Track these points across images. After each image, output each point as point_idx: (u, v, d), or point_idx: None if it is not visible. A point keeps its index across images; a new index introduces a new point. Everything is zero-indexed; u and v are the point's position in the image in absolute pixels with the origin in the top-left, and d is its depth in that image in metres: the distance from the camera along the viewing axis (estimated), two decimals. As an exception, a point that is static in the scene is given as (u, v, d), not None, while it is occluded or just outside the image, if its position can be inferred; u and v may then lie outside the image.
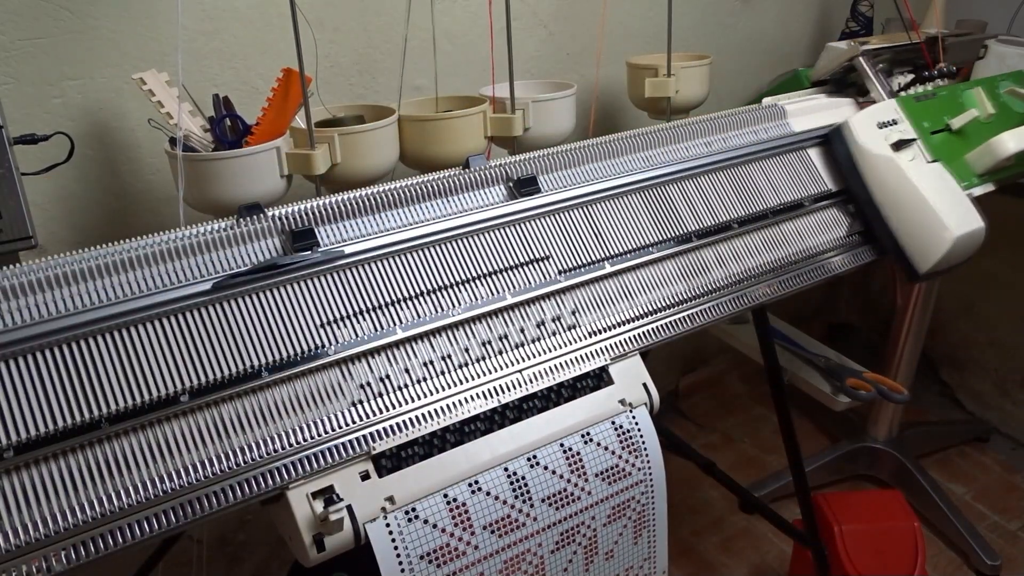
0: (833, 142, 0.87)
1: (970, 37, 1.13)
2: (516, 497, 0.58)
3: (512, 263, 0.65)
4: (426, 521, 0.54)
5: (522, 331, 0.63)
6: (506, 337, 0.62)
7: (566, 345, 0.63)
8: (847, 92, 0.98)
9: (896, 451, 1.54)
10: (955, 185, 0.86)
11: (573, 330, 0.65)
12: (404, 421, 0.56)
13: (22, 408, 0.47)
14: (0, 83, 0.81)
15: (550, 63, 1.26)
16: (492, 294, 0.63)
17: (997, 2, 1.55)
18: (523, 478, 0.58)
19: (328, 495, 0.52)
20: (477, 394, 0.59)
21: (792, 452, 1.08)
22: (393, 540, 0.53)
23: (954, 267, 0.88)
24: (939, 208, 0.82)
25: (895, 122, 0.87)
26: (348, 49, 1.03)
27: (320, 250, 0.57)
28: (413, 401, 0.57)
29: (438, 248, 0.63)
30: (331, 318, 0.56)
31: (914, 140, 0.86)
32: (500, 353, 0.61)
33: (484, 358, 0.61)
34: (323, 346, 0.55)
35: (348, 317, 0.57)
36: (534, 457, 0.59)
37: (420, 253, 0.62)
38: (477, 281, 0.63)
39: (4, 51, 0.80)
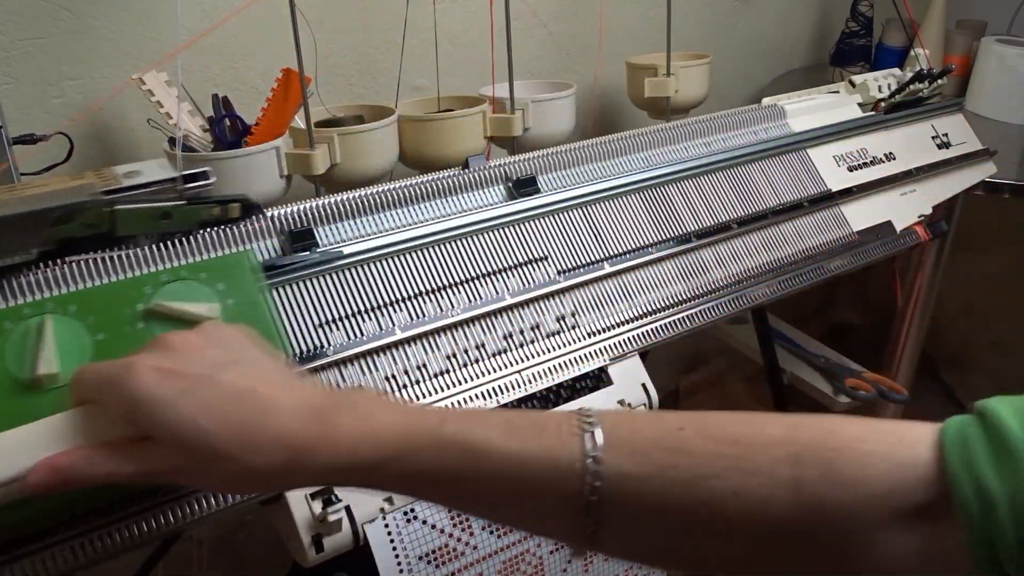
0: None
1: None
2: (515, 497, 0.58)
3: (511, 263, 0.65)
4: (425, 521, 0.54)
5: (521, 332, 0.63)
6: (506, 337, 0.62)
7: (565, 345, 0.63)
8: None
9: (896, 451, 1.54)
10: None
11: (572, 330, 0.65)
12: (403, 421, 0.56)
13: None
14: (0, 83, 0.81)
15: (550, 63, 1.26)
16: (491, 294, 0.63)
17: (997, 2, 1.55)
18: (522, 478, 0.58)
19: (327, 496, 0.52)
20: (476, 394, 0.59)
21: (792, 452, 1.08)
22: (392, 541, 0.53)
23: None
24: None
25: None
26: (348, 49, 1.03)
27: (319, 250, 0.57)
28: (412, 402, 0.57)
29: (437, 248, 0.62)
30: (330, 318, 0.56)
31: None
32: (499, 353, 0.61)
33: (483, 359, 0.61)
34: (322, 346, 0.55)
35: (347, 317, 0.57)
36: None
37: (419, 253, 0.62)
38: (476, 281, 0.63)
39: (4, 51, 0.80)
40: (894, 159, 0.92)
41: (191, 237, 0.52)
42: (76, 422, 0.39)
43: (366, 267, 0.59)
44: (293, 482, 0.42)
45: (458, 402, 0.58)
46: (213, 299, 0.49)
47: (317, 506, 0.51)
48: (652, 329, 0.69)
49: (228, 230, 0.53)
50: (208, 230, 0.53)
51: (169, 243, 0.51)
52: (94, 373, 0.39)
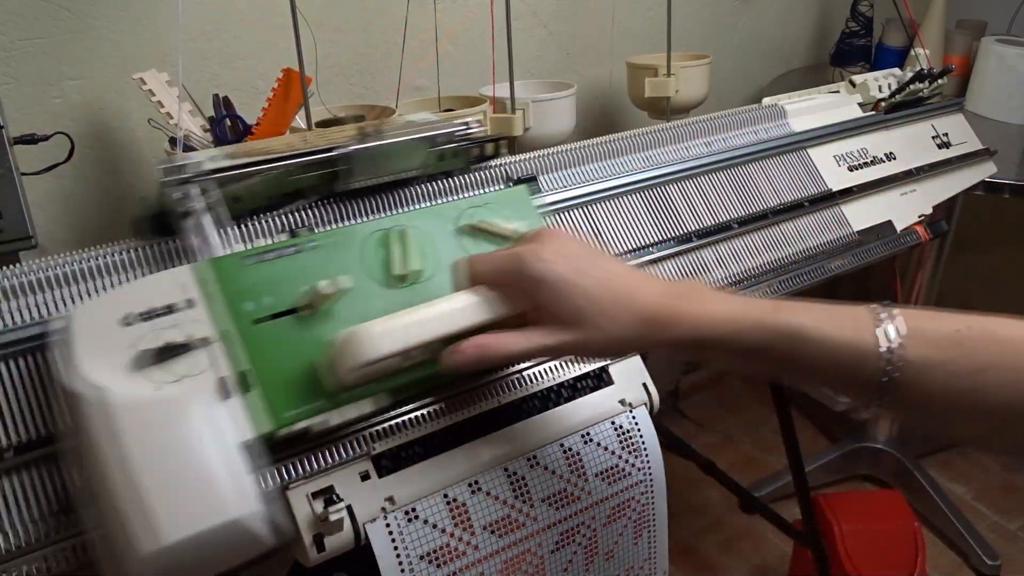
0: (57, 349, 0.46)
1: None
2: (516, 497, 0.58)
3: (512, 263, 0.65)
4: (426, 521, 0.54)
5: (522, 331, 0.62)
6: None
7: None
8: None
9: (896, 451, 1.54)
10: (227, 429, 0.45)
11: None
12: (404, 421, 0.56)
13: (22, 408, 0.47)
14: (0, 83, 0.81)
15: (550, 63, 1.26)
16: (492, 294, 0.63)
17: (997, 2, 1.55)
18: (523, 478, 0.58)
19: (328, 495, 0.52)
20: (477, 394, 0.59)
21: (792, 452, 1.08)
22: (393, 540, 0.53)
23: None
24: (151, 493, 0.41)
25: (189, 305, 0.47)
26: (348, 49, 1.03)
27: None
28: (413, 401, 0.57)
29: (438, 248, 0.63)
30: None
31: (199, 344, 0.46)
32: (500, 353, 0.61)
33: (484, 358, 0.60)
34: (323, 346, 0.55)
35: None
36: (534, 457, 0.59)
37: (420, 253, 0.62)
38: (477, 281, 0.63)
39: (4, 51, 0.80)
40: (894, 159, 0.92)
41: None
42: (473, 299, 0.48)
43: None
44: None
45: (459, 402, 0.58)
46: (508, 221, 0.60)
47: (318, 506, 0.51)
48: (652, 329, 0.68)
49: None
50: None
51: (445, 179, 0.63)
52: (494, 260, 0.50)
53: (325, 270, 0.52)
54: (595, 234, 0.70)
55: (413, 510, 0.54)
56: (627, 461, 0.63)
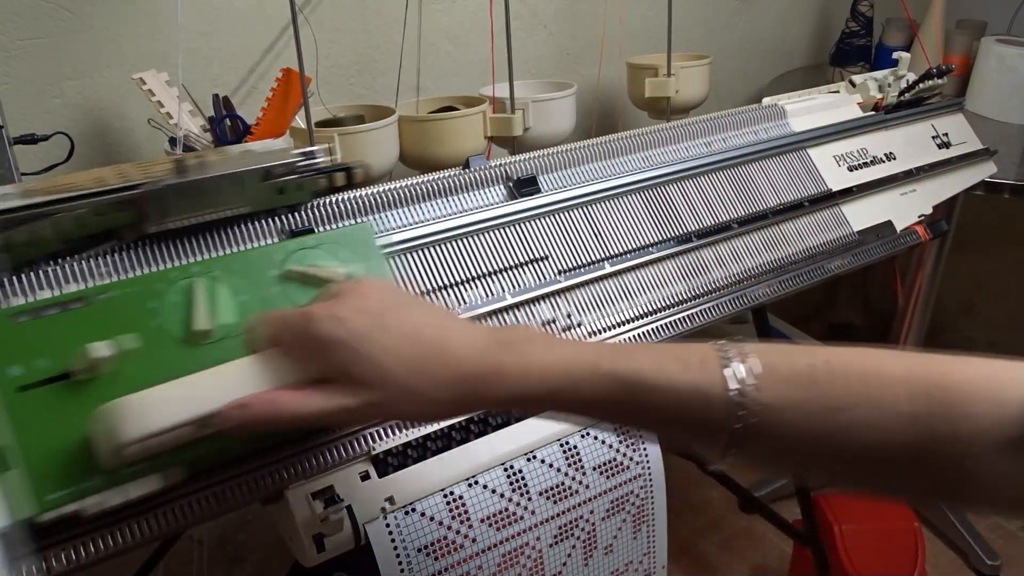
0: None
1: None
2: (514, 490, 0.58)
3: (512, 263, 0.65)
4: (423, 514, 0.55)
5: (522, 331, 0.62)
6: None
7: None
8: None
9: (896, 451, 1.54)
10: None
11: (573, 330, 0.65)
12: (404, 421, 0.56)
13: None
14: (0, 83, 0.81)
15: (550, 63, 1.26)
16: (492, 294, 0.63)
17: (997, 2, 1.55)
18: (520, 472, 0.58)
19: (328, 495, 0.52)
20: (477, 394, 0.59)
21: (792, 452, 1.08)
22: (392, 540, 0.53)
23: None
24: None
25: None
26: (348, 49, 1.03)
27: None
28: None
29: (437, 248, 0.62)
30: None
31: None
32: (500, 353, 0.61)
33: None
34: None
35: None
36: (531, 451, 0.59)
37: (419, 253, 0.62)
38: (477, 281, 0.63)
39: (4, 51, 0.80)
40: (894, 159, 0.92)
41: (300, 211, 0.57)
42: (260, 365, 0.42)
43: (367, 267, 0.59)
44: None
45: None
46: (340, 265, 0.53)
47: (318, 506, 0.51)
48: (653, 329, 0.69)
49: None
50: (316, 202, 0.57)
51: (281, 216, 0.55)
52: (278, 320, 0.43)
53: (115, 326, 0.45)
54: (595, 234, 0.69)
55: (410, 503, 0.54)
56: (625, 455, 0.63)
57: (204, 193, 0.50)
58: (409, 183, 0.64)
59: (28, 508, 0.41)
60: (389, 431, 0.55)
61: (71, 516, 0.42)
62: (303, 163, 0.54)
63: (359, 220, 0.59)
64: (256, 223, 0.55)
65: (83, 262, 0.49)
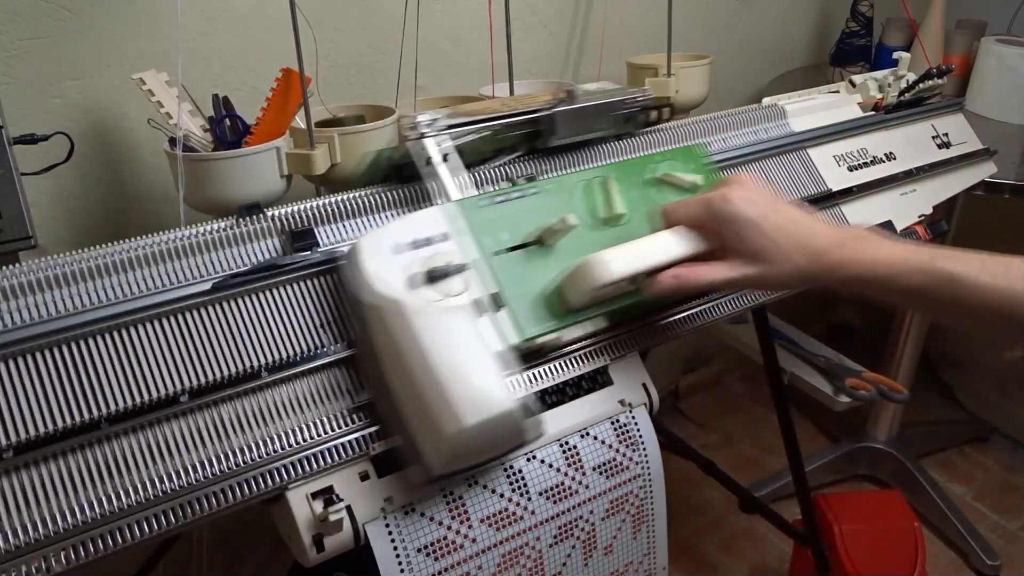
0: (344, 270, 0.56)
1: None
2: (513, 490, 0.58)
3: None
4: (423, 514, 0.55)
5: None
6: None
7: (566, 345, 0.63)
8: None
9: (896, 451, 1.54)
10: (488, 339, 0.54)
11: (573, 330, 0.65)
12: (404, 421, 0.56)
13: (22, 409, 0.47)
14: (0, 83, 0.81)
15: (550, 63, 1.26)
16: (492, 294, 0.63)
17: (997, 2, 1.55)
18: (519, 471, 0.58)
19: (328, 495, 0.52)
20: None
21: (792, 452, 1.08)
22: (391, 536, 0.53)
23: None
24: (448, 384, 0.49)
25: (444, 238, 0.56)
26: (348, 49, 1.03)
27: (320, 250, 0.57)
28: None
29: (438, 248, 0.63)
30: (331, 318, 0.56)
31: (459, 269, 0.54)
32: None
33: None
34: (323, 346, 0.55)
35: (348, 317, 0.57)
36: (531, 451, 0.59)
37: (420, 253, 0.62)
38: (477, 281, 0.63)
39: (4, 51, 0.80)
40: (894, 159, 0.92)
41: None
42: (678, 237, 0.57)
43: (367, 267, 0.59)
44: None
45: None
46: (689, 174, 0.67)
47: (318, 506, 0.51)
48: (652, 329, 0.69)
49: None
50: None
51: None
52: (688, 204, 0.59)
53: (545, 213, 0.60)
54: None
55: (410, 503, 0.54)
56: (624, 455, 0.63)
57: (582, 118, 0.68)
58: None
59: (516, 337, 0.56)
60: (389, 431, 0.55)
61: (536, 349, 0.59)
62: (640, 99, 0.72)
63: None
64: (608, 145, 0.73)
65: (500, 168, 0.66)
